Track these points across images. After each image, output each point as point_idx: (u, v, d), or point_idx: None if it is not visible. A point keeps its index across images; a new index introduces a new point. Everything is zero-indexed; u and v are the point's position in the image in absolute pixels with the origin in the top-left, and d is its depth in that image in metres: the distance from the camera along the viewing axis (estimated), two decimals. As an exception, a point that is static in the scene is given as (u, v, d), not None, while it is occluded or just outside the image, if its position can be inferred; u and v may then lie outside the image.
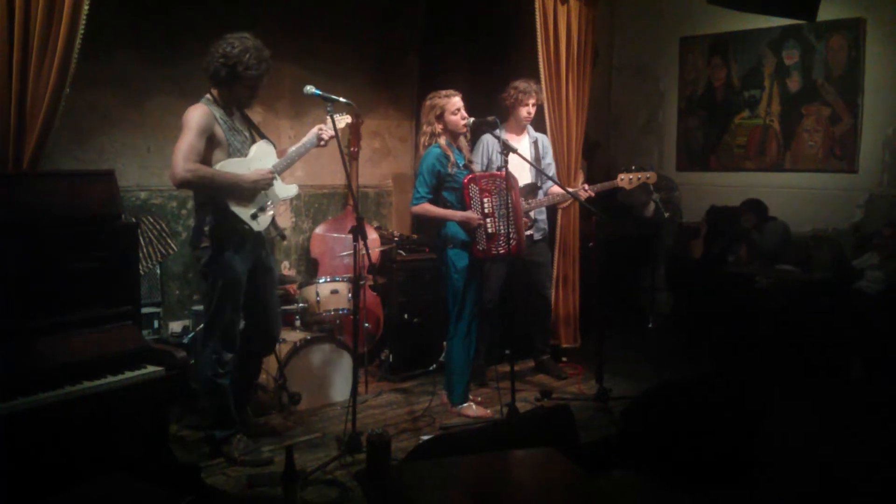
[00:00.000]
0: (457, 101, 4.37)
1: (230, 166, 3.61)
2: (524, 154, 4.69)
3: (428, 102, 4.41)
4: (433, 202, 4.36)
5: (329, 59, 5.70)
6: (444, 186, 4.37)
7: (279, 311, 4.07)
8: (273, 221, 3.86)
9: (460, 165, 4.41)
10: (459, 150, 4.45)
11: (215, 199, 3.60)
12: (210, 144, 3.57)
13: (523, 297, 5.12)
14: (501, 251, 4.31)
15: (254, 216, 3.68)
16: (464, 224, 4.33)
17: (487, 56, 6.09)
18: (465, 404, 4.48)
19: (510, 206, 4.25)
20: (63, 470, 2.72)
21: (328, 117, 3.85)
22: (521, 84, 4.88)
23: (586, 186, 4.81)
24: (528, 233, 4.87)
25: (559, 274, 5.51)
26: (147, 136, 4.90)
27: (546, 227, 5.12)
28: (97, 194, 3.20)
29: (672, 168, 7.16)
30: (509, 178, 4.29)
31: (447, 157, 4.34)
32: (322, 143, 3.91)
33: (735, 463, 3.47)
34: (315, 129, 3.92)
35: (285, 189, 3.90)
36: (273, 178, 3.72)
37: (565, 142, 5.40)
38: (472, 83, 5.27)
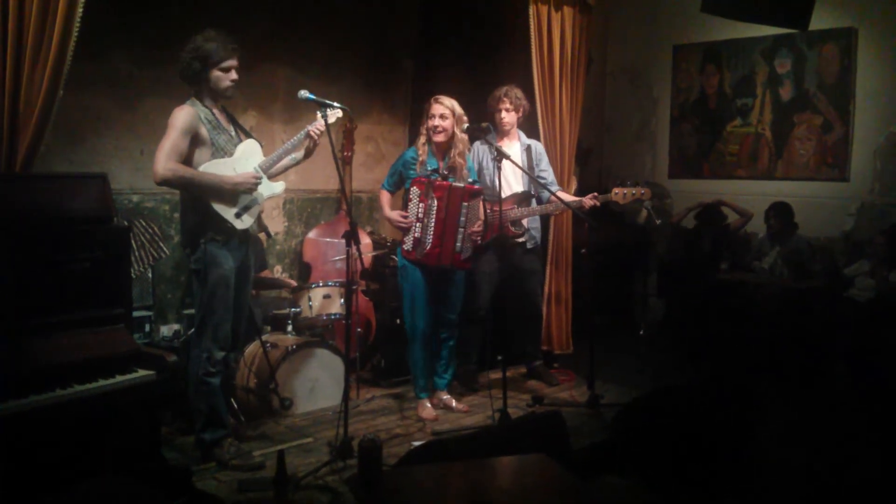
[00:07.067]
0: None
1: (214, 167, 3.62)
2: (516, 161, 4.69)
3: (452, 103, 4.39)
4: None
5: (323, 63, 5.72)
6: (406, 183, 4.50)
7: (247, 311, 4.06)
8: (258, 219, 3.86)
9: (429, 168, 4.41)
10: (434, 154, 4.44)
11: (198, 198, 3.63)
12: (194, 143, 3.60)
13: (515, 304, 5.12)
14: (417, 257, 4.38)
15: (237, 215, 3.69)
16: (391, 222, 4.48)
17: (481, 61, 6.10)
18: (421, 400, 4.54)
19: (440, 219, 4.31)
20: (54, 473, 2.71)
21: (319, 115, 3.80)
22: (495, 91, 4.89)
23: (595, 194, 4.78)
24: (521, 240, 4.88)
25: (551, 280, 5.51)
26: (140, 138, 4.88)
27: (539, 235, 5.11)
28: (89, 196, 3.20)
29: (664, 175, 7.18)
30: (451, 193, 4.31)
31: (417, 158, 4.39)
32: (315, 136, 3.82)
33: (727, 469, 3.47)
34: (306, 129, 3.86)
35: (271, 187, 3.89)
36: (258, 181, 3.72)
37: (558, 148, 5.41)
38: (466, 89, 5.26)
